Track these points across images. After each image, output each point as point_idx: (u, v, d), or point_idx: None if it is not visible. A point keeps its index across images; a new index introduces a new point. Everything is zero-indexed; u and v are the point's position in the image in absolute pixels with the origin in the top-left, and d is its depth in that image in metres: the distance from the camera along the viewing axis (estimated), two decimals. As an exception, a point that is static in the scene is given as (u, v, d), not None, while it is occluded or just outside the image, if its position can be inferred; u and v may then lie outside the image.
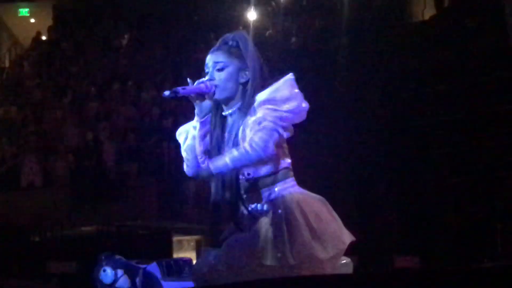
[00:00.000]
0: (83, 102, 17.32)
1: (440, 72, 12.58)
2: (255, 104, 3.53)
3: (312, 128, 12.66)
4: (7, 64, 23.10)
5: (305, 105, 3.55)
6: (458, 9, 14.14)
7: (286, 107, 3.50)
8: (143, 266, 4.12)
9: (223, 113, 3.67)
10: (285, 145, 3.62)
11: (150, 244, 11.39)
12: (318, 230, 3.46)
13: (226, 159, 3.45)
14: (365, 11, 15.62)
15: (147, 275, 4.04)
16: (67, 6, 23.49)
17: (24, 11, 25.05)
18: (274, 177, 3.58)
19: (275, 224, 3.47)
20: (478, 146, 10.99)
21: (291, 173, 3.63)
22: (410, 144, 11.90)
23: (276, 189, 3.57)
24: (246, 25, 17.31)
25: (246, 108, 3.59)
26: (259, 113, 3.49)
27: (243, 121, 3.58)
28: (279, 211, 3.50)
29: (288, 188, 3.58)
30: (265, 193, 3.57)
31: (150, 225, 12.68)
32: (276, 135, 3.47)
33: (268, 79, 3.64)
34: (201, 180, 3.99)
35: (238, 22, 17.51)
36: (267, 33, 17.04)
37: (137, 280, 4.04)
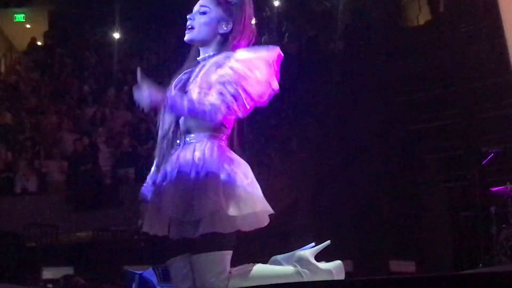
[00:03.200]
0: (78, 107, 17.32)
1: (435, 77, 12.60)
2: (232, 58, 3.55)
3: (307, 133, 12.69)
4: (2, 69, 23.06)
5: (274, 87, 3.55)
6: (453, 14, 14.16)
7: (254, 79, 3.50)
8: (139, 272, 4.12)
9: (198, 59, 3.74)
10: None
11: (145, 249, 11.37)
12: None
13: (185, 101, 3.46)
14: (360, 16, 15.64)
15: (143, 281, 4.04)
16: (63, 11, 23.49)
17: (19, 17, 24.99)
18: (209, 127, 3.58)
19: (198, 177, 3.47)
20: (473, 151, 11.00)
21: (224, 130, 3.62)
22: (405, 148, 11.91)
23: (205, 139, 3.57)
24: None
25: (222, 59, 3.59)
26: (226, 69, 3.51)
27: (210, 64, 3.60)
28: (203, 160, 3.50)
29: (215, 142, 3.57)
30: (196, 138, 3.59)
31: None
32: (230, 102, 3.46)
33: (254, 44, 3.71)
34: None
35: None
36: (262, 39, 17.04)
37: (133, 285, 4.04)
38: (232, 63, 3.52)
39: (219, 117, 3.46)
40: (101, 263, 11.25)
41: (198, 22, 3.69)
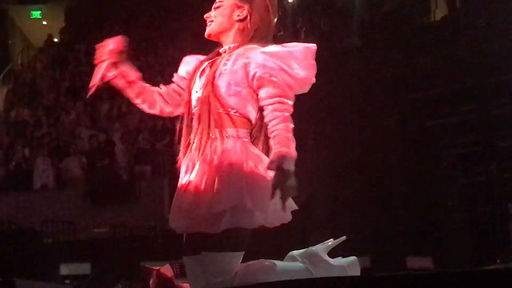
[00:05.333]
0: (96, 103, 17.37)
1: (452, 72, 12.56)
2: (260, 51, 3.50)
3: (324, 129, 12.69)
4: (19, 66, 23.20)
5: (314, 80, 3.51)
6: (469, 9, 14.11)
7: (297, 73, 3.45)
8: (156, 267, 4.12)
9: (220, 50, 3.70)
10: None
11: (162, 245, 11.40)
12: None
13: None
14: (376, 11, 15.61)
15: (161, 277, 4.04)
16: (79, 7, 23.60)
17: (36, 13, 25.14)
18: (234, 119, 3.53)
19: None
20: (490, 147, 10.97)
21: (248, 125, 3.56)
22: (422, 144, 11.88)
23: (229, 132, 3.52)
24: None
25: (249, 51, 3.54)
26: (267, 63, 3.45)
27: (234, 58, 3.55)
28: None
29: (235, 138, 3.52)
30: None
31: (163, 227, 12.69)
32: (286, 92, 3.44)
33: (275, 34, 3.70)
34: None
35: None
36: (278, 34, 17.04)
37: (151, 281, 4.04)
38: (266, 53, 3.49)
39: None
40: (118, 259, 11.29)
41: (215, 15, 3.69)
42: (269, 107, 3.43)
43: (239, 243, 3.43)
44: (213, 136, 3.51)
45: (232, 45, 3.64)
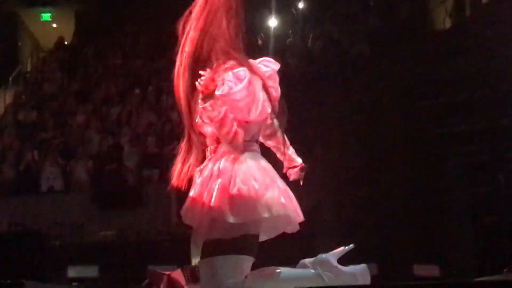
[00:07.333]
0: (104, 107, 17.40)
1: (461, 81, 12.56)
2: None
3: (332, 136, 12.70)
4: (29, 68, 23.25)
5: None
6: (479, 18, 14.12)
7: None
8: (167, 272, 4.15)
9: None
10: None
11: (169, 250, 11.42)
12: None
13: None
14: (386, 19, 15.62)
15: (172, 281, 4.07)
16: (89, 10, 23.66)
17: (46, 16, 25.19)
18: None
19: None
20: (497, 156, 10.97)
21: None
22: (429, 153, 11.88)
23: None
24: (267, 33, 17.35)
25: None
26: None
27: None
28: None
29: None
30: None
31: (170, 231, 12.71)
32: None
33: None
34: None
35: (259, 29, 17.53)
36: (287, 41, 17.08)
37: (162, 286, 4.08)
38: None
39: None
40: (126, 263, 11.34)
41: None
42: None
43: (248, 248, 3.53)
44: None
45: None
